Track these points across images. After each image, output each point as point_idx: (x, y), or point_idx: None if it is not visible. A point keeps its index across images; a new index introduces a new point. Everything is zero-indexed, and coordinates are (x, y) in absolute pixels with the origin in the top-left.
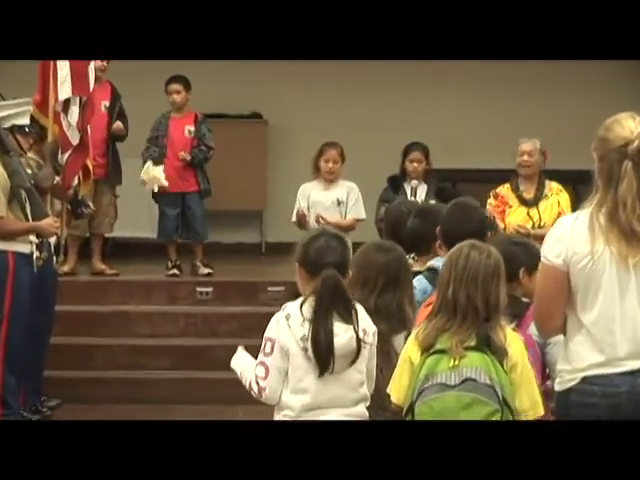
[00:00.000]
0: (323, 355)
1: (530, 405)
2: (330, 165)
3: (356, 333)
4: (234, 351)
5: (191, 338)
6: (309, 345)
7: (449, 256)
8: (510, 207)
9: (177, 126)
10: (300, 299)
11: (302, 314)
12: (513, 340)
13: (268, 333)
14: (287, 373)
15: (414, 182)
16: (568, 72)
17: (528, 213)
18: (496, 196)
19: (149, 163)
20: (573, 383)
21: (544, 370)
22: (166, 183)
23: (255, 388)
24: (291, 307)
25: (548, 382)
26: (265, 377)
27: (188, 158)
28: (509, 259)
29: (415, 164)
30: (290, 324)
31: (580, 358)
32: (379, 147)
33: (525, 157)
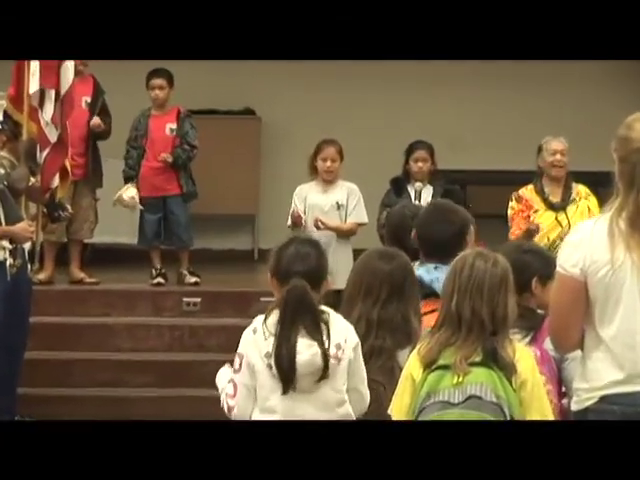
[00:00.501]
0: (285, 371)
1: None
2: (328, 164)
3: (323, 349)
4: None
5: (177, 353)
6: (273, 362)
7: (452, 265)
8: (535, 212)
9: (158, 124)
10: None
11: (267, 328)
12: (523, 355)
13: (239, 348)
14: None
15: (418, 184)
16: (582, 67)
17: (556, 218)
18: (519, 199)
19: (128, 189)
20: (591, 402)
21: (561, 387)
22: (140, 207)
23: (225, 407)
24: (257, 321)
25: (564, 401)
26: (233, 395)
27: (170, 160)
28: (520, 268)
29: (420, 164)
30: (256, 339)
31: (598, 375)
32: (380, 146)
33: (558, 156)
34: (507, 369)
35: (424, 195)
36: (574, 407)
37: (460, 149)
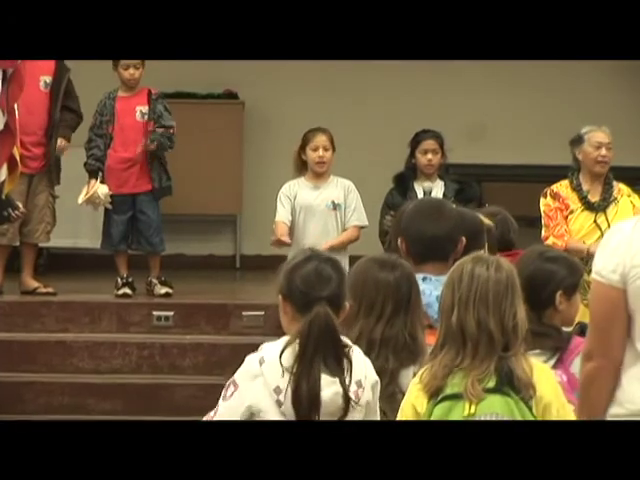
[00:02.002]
0: (305, 412)
1: None
2: (320, 153)
3: (344, 388)
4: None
5: (146, 375)
6: (283, 398)
7: (450, 275)
8: (571, 212)
9: (126, 108)
10: (280, 342)
11: (281, 363)
12: (542, 374)
13: (236, 376)
14: None
15: (427, 185)
16: None
17: (595, 220)
18: (556, 197)
19: (96, 185)
20: None
21: None
22: (110, 207)
23: None
24: (268, 351)
25: None
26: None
27: (153, 147)
28: (544, 279)
29: (429, 155)
30: (263, 371)
31: (634, 399)
32: (381, 137)
33: (604, 151)
34: (525, 391)
35: (434, 193)
36: None
37: (474, 140)
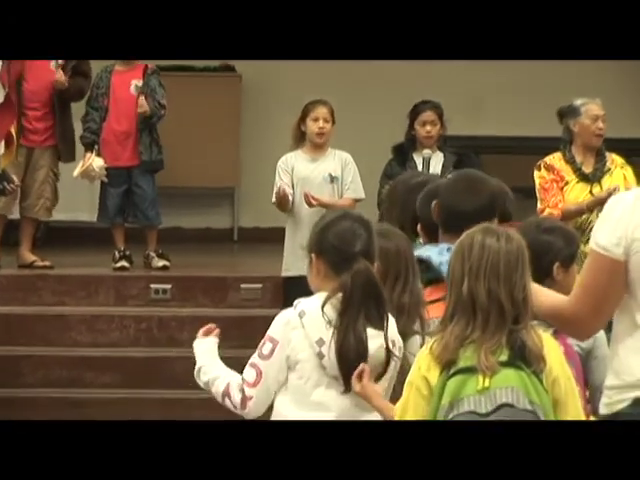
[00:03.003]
0: (350, 365)
1: None
2: (320, 124)
3: (386, 341)
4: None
5: (144, 348)
6: (326, 350)
7: (459, 245)
8: (566, 184)
9: (121, 81)
10: (318, 297)
11: (324, 315)
12: (551, 347)
13: (271, 332)
14: (281, 386)
15: (426, 152)
16: None
17: (590, 191)
18: (550, 169)
19: (91, 158)
20: (622, 406)
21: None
22: (106, 180)
23: (237, 397)
24: (307, 304)
25: (589, 405)
26: (255, 384)
27: (146, 110)
28: (541, 250)
29: (428, 127)
30: (304, 323)
31: (631, 370)
32: (378, 110)
33: (600, 123)
34: (536, 363)
35: (433, 164)
36: (602, 411)
37: (473, 112)
